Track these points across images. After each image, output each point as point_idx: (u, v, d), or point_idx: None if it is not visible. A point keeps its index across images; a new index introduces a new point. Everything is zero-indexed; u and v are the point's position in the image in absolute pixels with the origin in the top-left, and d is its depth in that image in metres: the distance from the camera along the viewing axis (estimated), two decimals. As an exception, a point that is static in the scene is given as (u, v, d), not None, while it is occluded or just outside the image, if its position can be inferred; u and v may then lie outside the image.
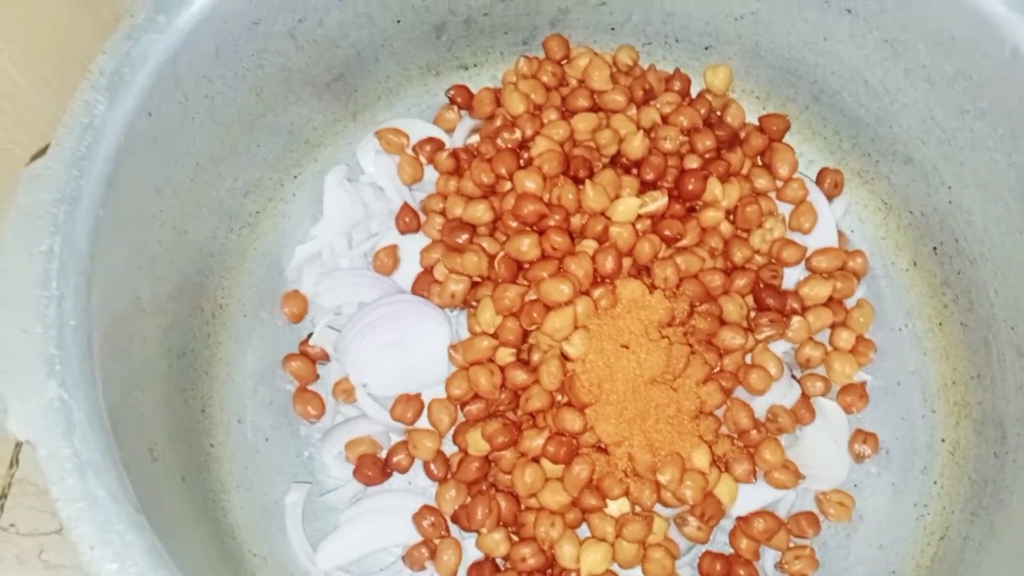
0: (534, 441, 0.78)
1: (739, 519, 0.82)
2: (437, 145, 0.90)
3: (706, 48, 0.90)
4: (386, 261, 0.87)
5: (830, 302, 0.87)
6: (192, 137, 0.74)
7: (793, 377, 0.86)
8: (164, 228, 0.72)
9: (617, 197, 0.83)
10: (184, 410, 0.76)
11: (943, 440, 0.85)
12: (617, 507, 0.79)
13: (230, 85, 0.75)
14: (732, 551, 0.82)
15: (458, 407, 0.82)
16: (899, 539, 0.83)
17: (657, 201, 0.84)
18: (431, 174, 0.90)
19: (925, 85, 0.80)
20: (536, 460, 0.78)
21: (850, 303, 0.88)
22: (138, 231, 0.69)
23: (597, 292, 0.80)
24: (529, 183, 0.83)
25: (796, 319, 0.85)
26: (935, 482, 0.84)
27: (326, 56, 0.83)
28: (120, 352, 0.63)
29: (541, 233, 0.82)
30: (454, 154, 0.89)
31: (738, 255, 0.86)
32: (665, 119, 0.89)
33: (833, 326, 0.87)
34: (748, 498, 0.82)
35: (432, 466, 0.81)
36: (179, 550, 0.55)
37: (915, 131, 0.83)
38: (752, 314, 0.85)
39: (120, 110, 0.64)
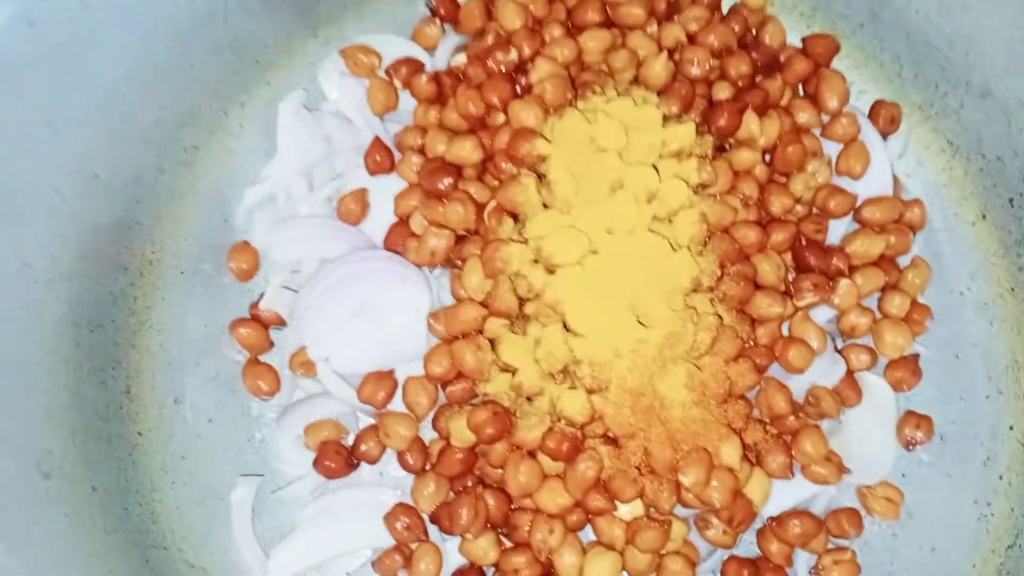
0: (530, 432, 0.69)
1: (770, 519, 0.73)
2: (415, 66, 0.82)
3: (742, -50, 0.81)
4: (353, 208, 0.79)
5: (881, 260, 0.78)
6: (97, 54, 0.63)
7: (837, 351, 0.76)
8: (63, 172, 0.63)
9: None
10: (100, 396, 0.68)
11: (1011, 427, 0.77)
12: (629, 509, 0.70)
13: None
14: (760, 554, 0.74)
15: (439, 387, 0.73)
16: (956, 543, 0.76)
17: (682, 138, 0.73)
18: (407, 102, 0.82)
19: (1019, 3, 0.69)
20: (532, 455, 0.70)
21: (904, 262, 0.80)
22: (22, 179, 0.59)
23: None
24: (527, 115, 0.73)
25: (843, 282, 0.76)
26: (1001, 476, 0.76)
27: (276, -48, 0.71)
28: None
29: (542, 178, 0.72)
30: (436, 77, 0.80)
31: (776, 205, 0.77)
32: (692, 38, 0.80)
33: (883, 289, 0.78)
34: (782, 494, 0.73)
35: (408, 456, 0.73)
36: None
37: (999, 58, 0.73)
38: (791, 276, 0.76)
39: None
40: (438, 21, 0.83)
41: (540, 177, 0.72)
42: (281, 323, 0.78)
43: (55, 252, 0.61)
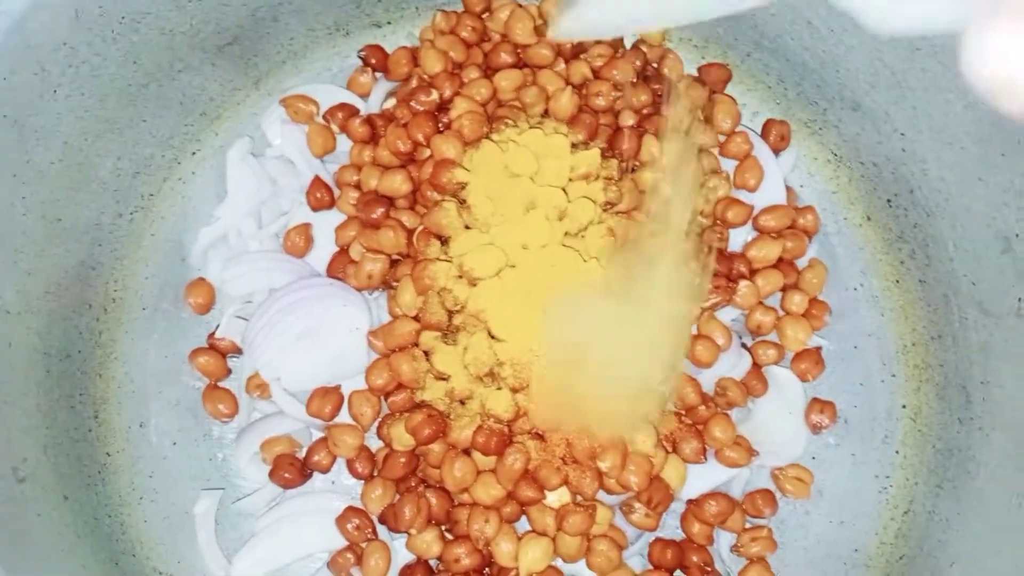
0: (463, 432, 0.72)
1: (690, 502, 0.77)
2: (350, 111, 0.84)
3: (637, -6, 0.83)
4: (298, 241, 0.81)
5: (780, 263, 0.82)
6: (56, 113, 0.66)
7: (743, 346, 0.81)
8: (29, 217, 0.65)
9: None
10: (70, 419, 0.70)
11: (904, 406, 0.81)
12: (557, 498, 0.73)
13: (98, 52, 0.67)
14: (684, 536, 0.77)
15: (381, 398, 0.76)
16: (861, 514, 0.79)
17: (589, 162, 0.77)
18: (344, 144, 0.84)
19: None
20: (466, 452, 0.73)
21: (801, 263, 0.84)
22: None
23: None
24: (447, 148, 0.77)
25: (744, 283, 0.80)
26: (897, 451, 0.80)
27: (214, 16, 0.76)
28: (-30, 362, 0.56)
29: (463, 203, 0.76)
30: (369, 120, 0.83)
31: None
32: (596, 73, 0.84)
33: (784, 289, 0.82)
34: (699, 479, 0.77)
35: (356, 464, 0.75)
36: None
37: (863, 74, 0.77)
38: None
39: (-44, 83, 0.56)
40: (370, 70, 0.85)
41: (461, 202, 0.76)
42: (237, 351, 0.79)
43: (25, 288, 0.64)
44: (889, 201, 0.81)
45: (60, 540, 0.61)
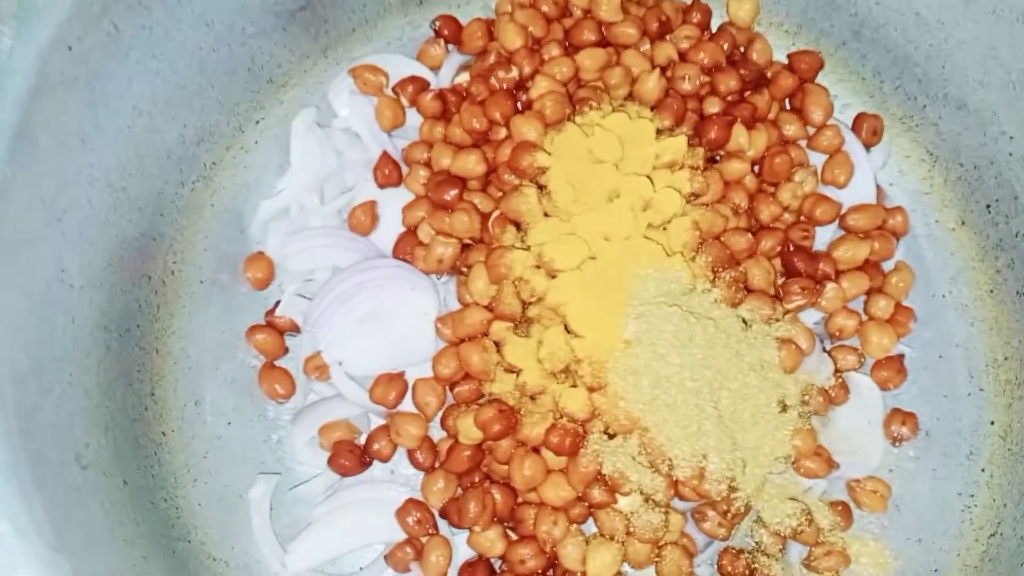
0: (534, 429, 0.70)
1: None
2: (421, 85, 0.82)
3: (730, -28, 0.82)
4: (363, 219, 0.79)
5: (866, 265, 0.79)
6: (127, 76, 0.64)
7: (825, 351, 0.77)
8: (95, 186, 0.63)
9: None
10: (128, 396, 0.68)
11: (992, 423, 0.78)
12: (628, 502, 0.71)
13: (172, 13, 0.65)
14: (755, 545, 0.74)
15: (447, 388, 0.74)
16: (942, 533, 0.77)
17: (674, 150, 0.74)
18: (414, 118, 0.82)
19: (990, 18, 0.71)
20: (537, 451, 0.71)
21: (888, 266, 0.81)
22: (59, 191, 0.59)
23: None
24: (528, 130, 0.74)
25: (829, 285, 0.77)
26: (983, 469, 0.77)
27: (289, -21, 0.72)
28: (38, 341, 0.54)
29: (542, 189, 0.73)
30: (440, 95, 0.81)
31: (765, 213, 0.78)
32: (683, 56, 0.81)
33: (869, 292, 0.79)
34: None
35: (418, 454, 0.74)
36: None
37: (973, 72, 0.74)
38: (780, 280, 0.77)
39: (31, 44, 0.54)
40: (442, 41, 0.83)
41: (541, 188, 0.73)
42: (296, 329, 0.78)
43: (88, 260, 0.62)
44: (989, 207, 0.78)
45: (121, 529, 0.59)
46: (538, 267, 0.71)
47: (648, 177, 0.73)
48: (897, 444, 0.78)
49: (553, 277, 0.71)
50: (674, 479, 0.69)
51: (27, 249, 0.54)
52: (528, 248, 0.72)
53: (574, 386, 0.70)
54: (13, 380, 0.48)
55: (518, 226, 0.74)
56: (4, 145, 0.52)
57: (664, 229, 0.74)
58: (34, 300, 0.55)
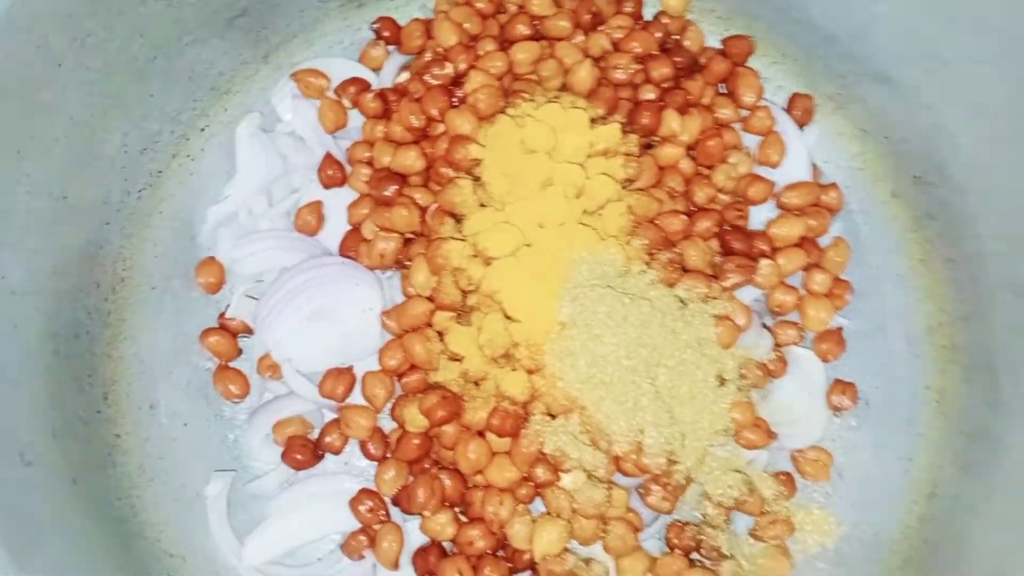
0: (477, 413, 0.71)
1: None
2: (362, 86, 0.83)
3: (658, -37, 0.83)
4: (310, 220, 0.80)
5: (802, 242, 0.81)
6: (61, 87, 0.65)
7: (764, 326, 0.79)
8: (34, 195, 0.64)
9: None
10: (78, 401, 0.69)
11: (928, 388, 0.79)
12: (572, 480, 0.72)
13: (104, 25, 0.66)
14: (701, 518, 0.76)
15: (394, 379, 0.75)
16: (883, 497, 0.78)
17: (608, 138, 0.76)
18: (356, 119, 0.83)
19: None
20: (481, 434, 0.72)
21: (824, 242, 0.82)
22: None
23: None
24: (461, 123, 0.75)
25: (765, 262, 0.79)
26: (920, 434, 0.79)
27: (222, -12, 0.74)
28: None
29: (477, 180, 0.74)
30: (381, 95, 0.81)
31: (700, 195, 0.79)
32: (616, 46, 0.82)
33: (806, 268, 0.81)
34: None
35: (369, 445, 0.75)
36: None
37: (894, 46, 0.75)
38: (717, 259, 0.78)
39: (-43, 58, 0.55)
40: (383, 43, 0.83)
41: (476, 179, 0.74)
42: (248, 331, 0.79)
43: (31, 268, 0.63)
44: (917, 177, 0.79)
45: (68, 524, 0.60)
46: (475, 256, 0.72)
47: (580, 164, 0.75)
48: (838, 414, 0.79)
49: (489, 265, 0.72)
50: (614, 455, 0.71)
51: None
52: (465, 239, 0.73)
53: (514, 370, 0.71)
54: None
55: (456, 218, 0.75)
56: (-67, 157, 0.53)
57: (599, 215, 0.75)
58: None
